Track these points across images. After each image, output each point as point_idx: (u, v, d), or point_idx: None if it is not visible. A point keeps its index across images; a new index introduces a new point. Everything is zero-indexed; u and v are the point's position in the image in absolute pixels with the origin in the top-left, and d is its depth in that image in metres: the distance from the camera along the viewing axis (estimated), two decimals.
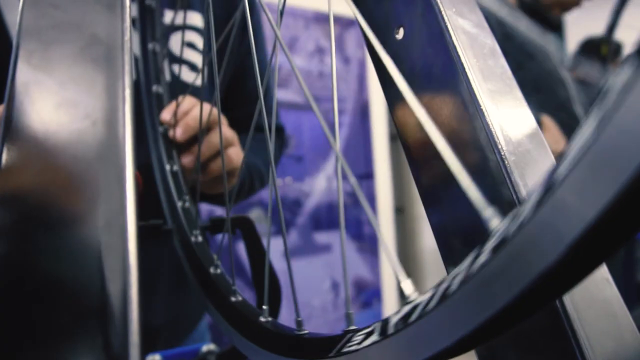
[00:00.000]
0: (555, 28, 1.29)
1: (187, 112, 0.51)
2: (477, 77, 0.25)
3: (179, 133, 0.50)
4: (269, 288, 0.47)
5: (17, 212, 0.15)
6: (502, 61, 0.26)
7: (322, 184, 2.49)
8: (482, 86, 0.25)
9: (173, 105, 0.51)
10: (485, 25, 0.27)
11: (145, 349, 0.48)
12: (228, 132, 0.56)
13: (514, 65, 0.25)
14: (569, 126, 1.25)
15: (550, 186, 0.13)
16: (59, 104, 0.16)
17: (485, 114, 0.24)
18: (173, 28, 0.59)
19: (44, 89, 0.16)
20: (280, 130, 0.87)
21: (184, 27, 0.57)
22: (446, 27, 0.26)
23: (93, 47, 0.17)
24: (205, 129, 0.51)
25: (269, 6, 0.29)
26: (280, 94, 2.26)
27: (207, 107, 0.48)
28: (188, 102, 0.52)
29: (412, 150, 0.29)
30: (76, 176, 0.15)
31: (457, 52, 0.25)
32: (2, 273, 0.14)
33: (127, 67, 0.17)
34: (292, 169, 2.40)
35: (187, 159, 0.50)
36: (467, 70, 0.25)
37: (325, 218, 2.47)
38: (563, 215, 0.12)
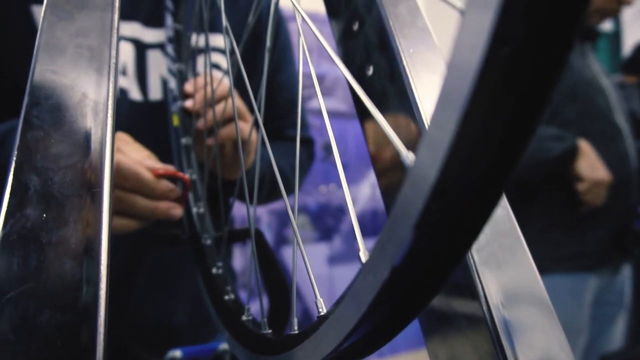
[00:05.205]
0: (593, 37, 1.27)
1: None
2: (429, 118, 0.28)
3: (193, 102, 0.55)
4: (279, 296, 0.51)
5: (24, 235, 0.20)
6: None
7: (366, 191, 2.51)
8: None
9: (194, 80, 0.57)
10: (443, 63, 0.30)
11: (167, 346, 0.54)
12: (240, 104, 0.60)
13: None
14: (608, 137, 1.22)
15: (425, 134, 0.15)
16: (57, 152, 0.21)
17: None
18: (197, 51, 0.65)
19: (43, 140, 0.21)
20: (308, 143, 0.90)
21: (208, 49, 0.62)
22: (403, 67, 0.29)
23: (83, 103, 0.22)
24: (217, 98, 0.55)
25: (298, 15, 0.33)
26: (325, 102, 2.30)
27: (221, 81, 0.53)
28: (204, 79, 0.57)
29: (381, 175, 0.32)
30: (66, 205, 0.20)
31: (412, 91, 0.28)
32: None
33: (109, 120, 0.22)
34: (336, 176, 2.43)
35: (201, 123, 0.55)
36: (420, 109, 0.28)
37: (369, 225, 2.48)
38: (433, 149, 0.14)
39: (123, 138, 0.52)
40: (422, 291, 0.17)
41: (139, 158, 0.50)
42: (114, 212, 0.49)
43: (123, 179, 0.48)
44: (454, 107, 0.13)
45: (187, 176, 0.51)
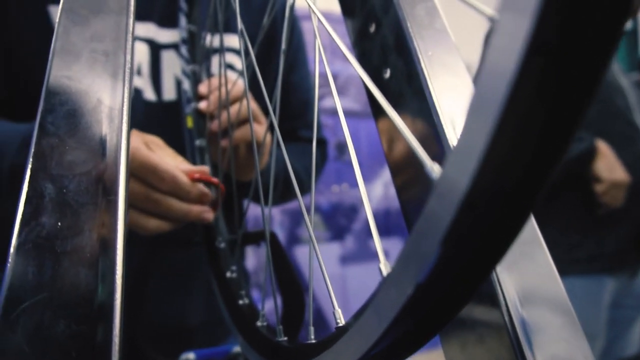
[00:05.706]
0: None
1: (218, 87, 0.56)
2: (447, 122, 0.27)
3: (207, 104, 0.55)
4: (293, 299, 0.50)
5: (38, 238, 0.20)
6: None
7: (378, 190, 2.50)
8: (454, 129, 0.27)
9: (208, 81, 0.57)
10: (462, 65, 0.29)
11: (181, 348, 0.54)
12: (254, 106, 0.61)
13: None
14: (627, 137, 1.20)
15: (454, 145, 0.14)
16: (72, 159, 0.20)
17: None
18: (212, 51, 0.65)
19: (58, 147, 0.20)
20: (322, 143, 0.90)
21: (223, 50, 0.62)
22: (421, 69, 0.28)
23: (98, 109, 0.22)
24: (232, 99, 0.55)
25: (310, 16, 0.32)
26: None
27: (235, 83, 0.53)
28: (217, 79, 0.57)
29: (397, 174, 0.32)
30: (81, 213, 0.20)
31: (430, 94, 0.28)
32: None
33: (124, 126, 0.21)
34: (349, 176, 2.43)
35: (215, 125, 0.56)
36: (438, 112, 0.27)
37: (381, 224, 2.47)
38: (463, 159, 0.13)
39: (156, 142, 0.53)
40: (448, 306, 0.17)
41: (174, 162, 0.50)
42: (150, 213, 0.50)
43: (160, 181, 0.48)
44: (487, 117, 0.12)
45: (219, 181, 0.52)
